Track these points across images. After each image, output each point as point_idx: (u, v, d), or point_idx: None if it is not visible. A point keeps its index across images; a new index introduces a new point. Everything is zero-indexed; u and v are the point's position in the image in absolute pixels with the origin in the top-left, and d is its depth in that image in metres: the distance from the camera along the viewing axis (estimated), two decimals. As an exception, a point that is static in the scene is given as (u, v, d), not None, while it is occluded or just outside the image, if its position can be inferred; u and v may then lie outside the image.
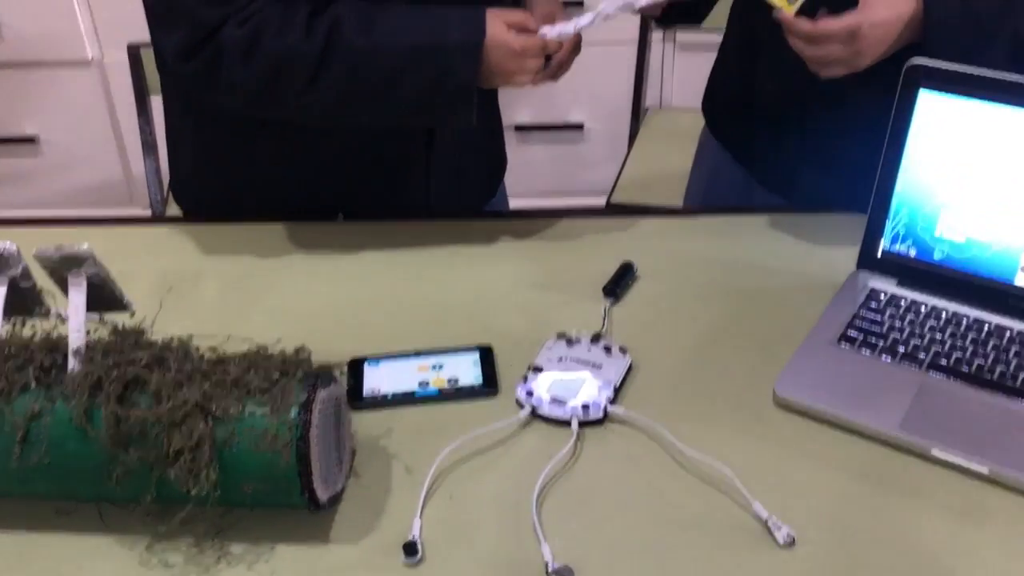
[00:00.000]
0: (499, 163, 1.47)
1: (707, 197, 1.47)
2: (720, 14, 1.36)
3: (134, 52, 1.84)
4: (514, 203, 1.55)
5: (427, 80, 1.07)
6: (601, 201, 2.09)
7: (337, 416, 0.88)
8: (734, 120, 1.39)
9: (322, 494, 0.83)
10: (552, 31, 1.10)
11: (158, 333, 0.95)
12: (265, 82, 1.07)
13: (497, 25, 1.07)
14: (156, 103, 1.67)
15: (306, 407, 0.81)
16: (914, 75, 1.04)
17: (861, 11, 1.04)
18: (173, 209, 1.50)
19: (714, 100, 1.43)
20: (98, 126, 2.61)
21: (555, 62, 1.13)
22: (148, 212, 1.93)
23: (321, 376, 0.84)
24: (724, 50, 1.41)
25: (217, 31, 1.05)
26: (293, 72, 1.06)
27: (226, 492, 0.80)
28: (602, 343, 1.04)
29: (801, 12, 1.06)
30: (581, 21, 1.10)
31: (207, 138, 1.29)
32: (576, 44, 1.14)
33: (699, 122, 1.49)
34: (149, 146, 1.91)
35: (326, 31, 1.05)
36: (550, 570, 0.81)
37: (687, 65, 2.59)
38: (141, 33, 1.25)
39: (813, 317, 1.07)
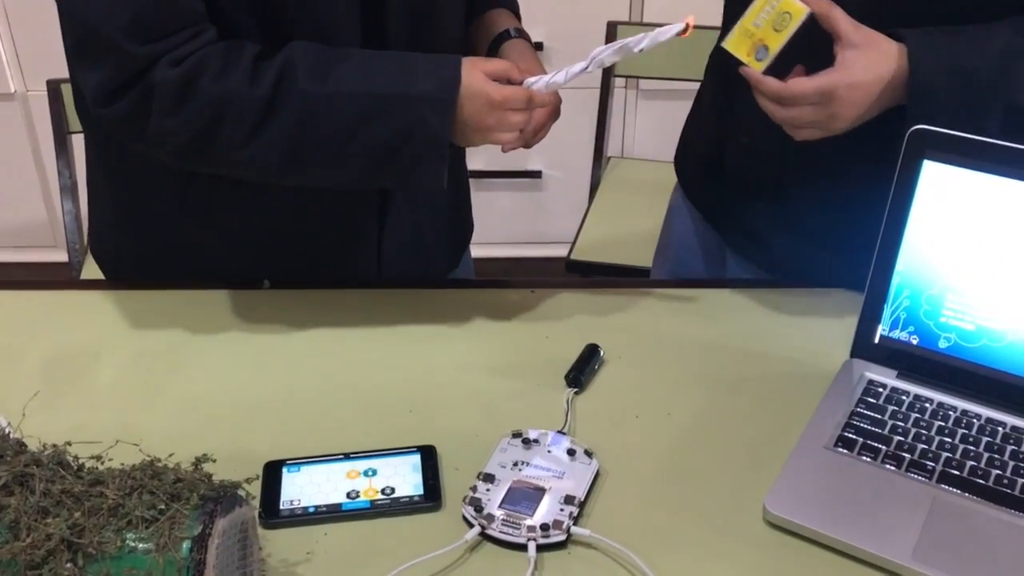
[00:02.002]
0: (464, 232, 1.30)
1: (677, 264, 1.34)
2: (698, 66, 1.24)
3: (54, 87, 1.69)
4: (474, 252, 1.38)
5: (391, 132, 0.92)
6: (562, 252, 1.97)
7: (243, 545, 0.72)
8: (707, 181, 1.26)
9: (219, 649, 0.67)
10: (539, 81, 0.96)
11: (35, 433, 0.80)
12: (200, 131, 0.92)
13: (474, 73, 0.93)
14: (80, 140, 1.51)
15: (200, 542, 0.66)
16: (918, 143, 0.92)
17: (836, 71, 0.92)
18: (92, 262, 1.33)
19: (686, 159, 1.31)
20: (21, 163, 2.43)
21: (532, 125, 0.97)
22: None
23: (222, 500, 0.69)
24: (698, 105, 1.28)
25: (147, 71, 0.90)
26: (233, 120, 0.91)
27: (97, 651, 0.65)
28: (564, 444, 0.89)
29: (773, 69, 0.94)
30: (574, 68, 0.94)
31: (127, 192, 1.13)
32: (556, 108, 1.00)
33: (662, 173, 1.37)
34: (68, 189, 1.76)
35: (275, 75, 0.91)
36: None
37: (650, 113, 2.48)
38: (64, 67, 1.09)
39: (804, 412, 0.94)
